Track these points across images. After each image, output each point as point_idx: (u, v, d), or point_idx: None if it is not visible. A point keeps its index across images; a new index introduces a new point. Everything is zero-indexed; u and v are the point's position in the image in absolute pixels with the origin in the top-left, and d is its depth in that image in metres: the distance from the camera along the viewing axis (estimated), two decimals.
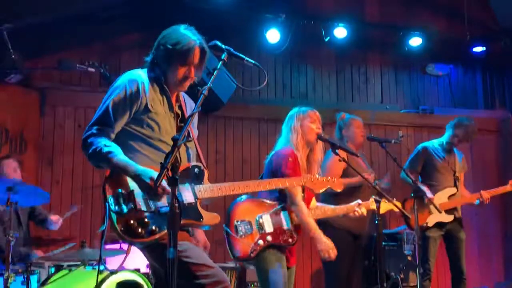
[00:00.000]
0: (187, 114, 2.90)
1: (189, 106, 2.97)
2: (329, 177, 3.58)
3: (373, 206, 3.96)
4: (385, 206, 4.11)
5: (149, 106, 2.73)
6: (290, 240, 3.72)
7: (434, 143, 5.57)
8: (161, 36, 2.81)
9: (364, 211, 3.97)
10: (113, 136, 2.69)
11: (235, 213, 3.71)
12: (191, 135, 2.90)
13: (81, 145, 2.67)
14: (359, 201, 4.02)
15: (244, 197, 3.75)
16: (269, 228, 3.69)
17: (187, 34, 2.74)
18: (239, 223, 3.66)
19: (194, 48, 2.71)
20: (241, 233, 3.63)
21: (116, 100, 2.68)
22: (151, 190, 2.47)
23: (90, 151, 2.59)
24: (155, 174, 2.47)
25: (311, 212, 3.86)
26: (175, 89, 2.85)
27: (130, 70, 2.84)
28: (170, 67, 2.76)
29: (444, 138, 5.53)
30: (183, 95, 2.96)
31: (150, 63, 2.84)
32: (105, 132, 2.65)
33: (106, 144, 2.59)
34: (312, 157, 3.92)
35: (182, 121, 2.85)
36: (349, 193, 4.38)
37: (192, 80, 2.80)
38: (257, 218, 3.68)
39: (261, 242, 3.64)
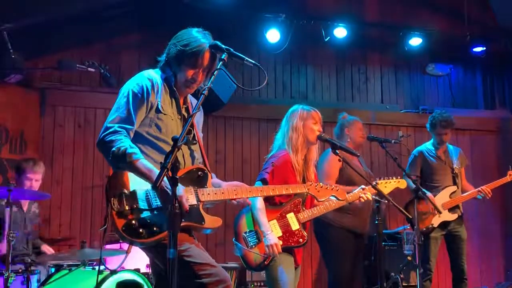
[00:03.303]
0: (194, 117, 2.91)
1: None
2: (333, 185, 3.55)
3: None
4: (391, 186, 4.12)
5: (160, 107, 2.73)
6: (300, 240, 3.73)
7: (428, 145, 5.59)
8: (174, 37, 2.82)
9: (369, 195, 3.95)
10: (132, 135, 2.66)
11: (241, 226, 3.72)
12: (196, 137, 2.89)
13: (99, 141, 2.61)
14: (363, 186, 4.01)
15: (246, 208, 3.74)
16: (277, 232, 3.69)
17: (198, 36, 2.74)
18: (247, 234, 3.68)
19: (204, 51, 2.72)
20: (251, 244, 3.65)
21: (135, 98, 2.68)
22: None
23: (114, 148, 2.53)
24: (182, 192, 2.49)
25: (317, 208, 3.85)
26: (184, 91, 2.85)
27: (146, 71, 2.83)
28: (180, 68, 2.77)
29: (434, 140, 5.54)
30: (190, 98, 2.96)
31: (162, 63, 2.85)
32: (127, 131, 2.62)
33: (131, 146, 2.56)
34: (309, 156, 3.92)
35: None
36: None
37: (200, 83, 2.79)
38: None
39: None
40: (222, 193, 2.80)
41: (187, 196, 2.67)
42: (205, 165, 2.88)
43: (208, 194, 2.75)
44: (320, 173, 4.70)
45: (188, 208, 2.55)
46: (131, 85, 2.73)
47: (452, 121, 5.47)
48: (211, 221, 2.73)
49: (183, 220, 2.60)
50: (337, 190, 3.55)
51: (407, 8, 7.39)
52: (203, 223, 2.70)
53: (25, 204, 4.95)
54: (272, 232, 3.64)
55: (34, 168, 4.89)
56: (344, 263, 4.63)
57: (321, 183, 3.49)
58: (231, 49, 2.64)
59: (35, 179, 4.90)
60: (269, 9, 6.62)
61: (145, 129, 2.73)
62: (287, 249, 3.71)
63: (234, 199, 2.85)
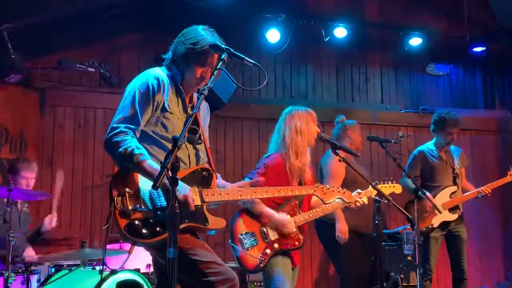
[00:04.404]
0: (200, 116, 2.90)
1: (202, 108, 2.96)
2: (339, 188, 3.54)
3: (374, 193, 3.96)
4: (386, 190, 4.13)
5: (166, 106, 2.72)
6: (296, 243, 3.72)
7: (429, 145, 5.57)
8: (180, 35, 2.80)
9: (365, 199, 3.93)
10: (138, 134, 2.65)
11: (237, 227, 3.69)
12: (202, 137, 2.88)
13: (106, 142, 2.60)
14: (359, 190, 4.01)
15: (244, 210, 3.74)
16: (274, 235, 3.68)
17: (206, 35, 2.74)
18: (243, 236, 3.65)
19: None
20: (247, 246, 3.63)
21: (141, 97, 2.66)
22: (183, 206, 2.47)
23: (120, 149, 2.53)
24: (189, 192, 2.51)
25: (313, 211, 3.84)
26: (190, 90, 2.84)
27: (152, 69, 2.82)
28: (188, 67, 2.75)
29: (439, 140, 5.51)
30: (196, 97, 2.93)
31: (168, 61, 2.83)
32: (133, 131, 2.61)
33: (138, 146, 2.56)
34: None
35: (194, 122, 2.82)
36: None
37: (207, 80, 2.76)
38: (261, 228, 3.68)
39: (268, 251, 3.65)
40: (227, 193, 2.79)
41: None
42: (210, 165, 2.86)
43: (213, 194, 2.73)
44: (326, 174, 4.70)
45: (193, 207, 2.54)
46: (137, 84, 2.72)
47: (460, 120, 5.49)
48: (215, 222, 2.72)
49: (186, 221, 2.60)
50: (344, 192, 3.54)
51: (407, 8, 7.39)
52: (206, 224, 2.69)
53: (18, 203, 4.94)
54: (283, 215, 3.66)
55: (29, 168, 4.91)
56: (353, 262, 4.65)
57: (327, 185, 3.48)
58: (231, 49, 2.63)
59: (30, 178, 4.91)
60: (269, 9, 6.61)
61: (151, 128, 2.71)
62: (284, 252, 3.71)
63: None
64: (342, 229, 4.56)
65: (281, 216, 3.67)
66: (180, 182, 2.40)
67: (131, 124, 2.62)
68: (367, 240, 4.91)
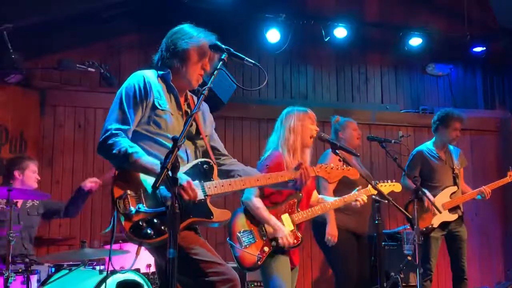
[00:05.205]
0: (199, 114, 2.90)
1: (201, 107, 2.97)
2: (344, 166, 3.49)
3: (373, 191, 3.96)
4: (386, 189, 4.13)
5: (156, 104, 2.72)
6: (294, 241, 3.71)
7: (428, 145, 5.55)
8: (172, 33, 2.81)
9: (364, 197, 3.94)
10: (130, 135, 2.67)
11: (235, 225, 3.69)
12: (200, 132, 2.87)
13: (99, 146, 2.62)
14: (359, 187, 4.00)
15: (241, 208, 3.74)
16: (272, 233, 3.68)
17: (198, 30, 2.78)
18: (241, 234, 3.65)
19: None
20: (245, 244, 3.62)
21: (128, 98, 2.68)
22: (187, 194, 2.47)
23: (114, 151, 2.54)
24: (189, 178, 2.50)
25: (312, 209, 3.84)
26: (186, 86, 2.84)
27: (138, 71, 2.83)
28: (187, 63, 2.76)
29: (441, 138, 5.49)
30: (191, 95, 2.94)
31: (158, 61, 2.84)
32: (124, 132, 2.63)
33: (131, 145, 2.57)
34: (303, 159, 3.90)
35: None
36: (344, 191, 4.35)
37: (207, 73, 2.80)
38: (259, 226, 3.68)
39: (266, 248, 3.64)
40: (230, 184, 2.76)
41: None
42: (210, 159, 2.85)
43: (215, 187, 2.72)
44: None
45: (197, 195, 2.53)
46: (123, 87, 2.74)
47: (464, 118, 5.51)
48: (220, 215, 2.70)
49: (191, 216, 2.59)
50: (349, 170, 3.51)
51: (407, 8, 7.39)
52: (211, 217, 2.67)
53: (18, 200, 4.92)
54: (282, 225, 3.65)
55: (34, 162, 4.95)
56: (349, 264, 4.63)
57: (331, 164, 3.45)
58: (231, 49, 2.63)
59: (37, 172, 4.93)
60: (269, 9, 6.62)
61: (145, 127, 2.72)
62: (283, 250, 3.71)
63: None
64: (331, 232, 4.49)
65: (281, 227, 3.65)
66: (180, 173, 2.40)
67: (121, 125, 2.64)
68: (364, 240, 4.90)
